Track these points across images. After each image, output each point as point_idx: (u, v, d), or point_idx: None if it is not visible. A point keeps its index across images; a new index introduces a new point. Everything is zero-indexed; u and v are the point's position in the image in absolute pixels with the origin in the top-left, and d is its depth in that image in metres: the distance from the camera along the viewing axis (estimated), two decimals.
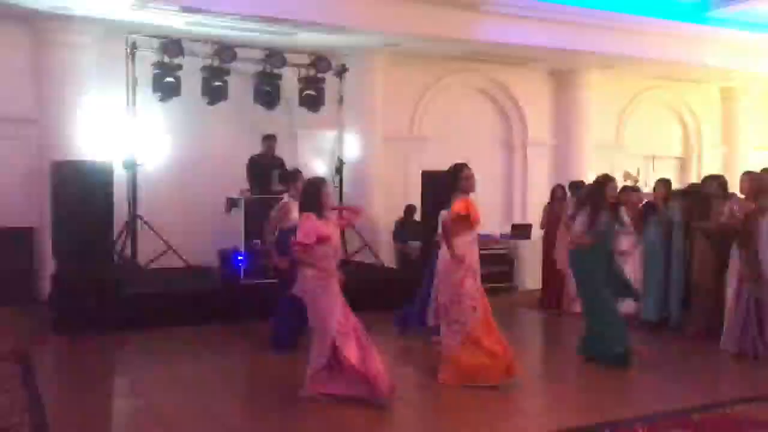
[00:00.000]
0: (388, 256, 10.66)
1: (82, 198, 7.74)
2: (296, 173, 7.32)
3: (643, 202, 8.77)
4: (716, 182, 7.75)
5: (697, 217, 7.70)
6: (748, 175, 7.46)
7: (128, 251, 8.99)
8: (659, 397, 5.62)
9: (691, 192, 8.25)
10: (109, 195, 7.99)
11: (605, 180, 6.61)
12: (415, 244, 9.91)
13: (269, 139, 9.62)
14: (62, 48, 9.17)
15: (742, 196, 7.36)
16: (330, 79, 10.29)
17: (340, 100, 10.47)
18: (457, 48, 10.92)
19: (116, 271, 8.26)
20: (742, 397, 5.51)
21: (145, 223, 9.11)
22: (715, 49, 11.92)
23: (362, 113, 10.93)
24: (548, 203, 9.76)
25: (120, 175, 8.78)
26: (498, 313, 7.07)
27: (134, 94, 9.15)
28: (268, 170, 8.89)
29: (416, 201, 10.09)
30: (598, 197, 6.51)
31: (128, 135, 9.13)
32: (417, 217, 10.44)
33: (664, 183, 8.57)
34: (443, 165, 10.08)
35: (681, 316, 7.96)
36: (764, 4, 10.92)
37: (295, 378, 5.61)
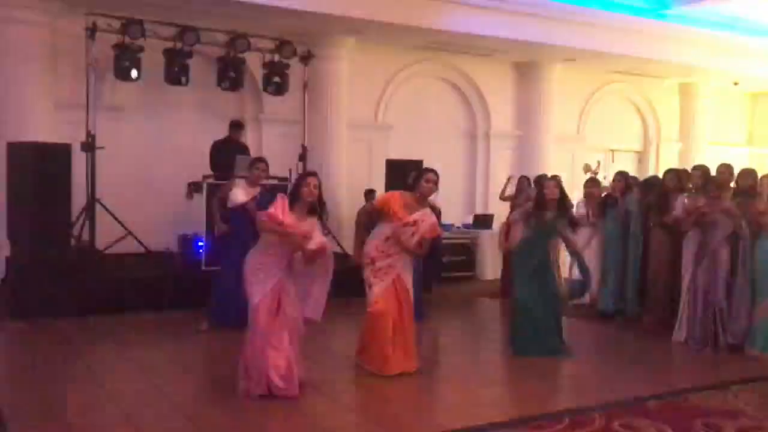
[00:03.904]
0: (351, 243, 10.62)
1: (39, 180, 7.57)
2: (253, 161, 7.44)
3: (603, 195, 8.93)
4: (676, 176, 7.91)
5: (656, 209, 7.85)
6: (698, 169, 7.63)
7: (86, 235, 8.82)
8: (616, 386, 5.73)
9: (651, 184, 8.39)
10: (66, 178, 7.83)
11: (540, 178, 6.82)
12: None
13: (236, 126, 9.52)
14: (17, 25, 8.85)
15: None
16: (295, 65, 10.22)
17: (305, 87, 10.40)
18: (422, 37, 10.92)
19: (73, 255, 8.11)
20: (697, 386, 5.65)
21: (104, 207, 8.94)
22: (676, 46, 12.14)
23: (327, 100, 10.86)
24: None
25: (79, 157, 8.61)
26: (458, 302, 7.17)
27: (94, 75, 8.95)
28: (231, 156, 8.78)
29: (380, 189, 10.07)
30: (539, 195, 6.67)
31: (88, 117, 8.92)
32: None
33: (622, 175, 8.72)
34: (407, 153, 10.17)
35: (637, 307, 8.13)
36: (723, 3, 11.16)
37: None
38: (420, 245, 5.75)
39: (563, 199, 6.66)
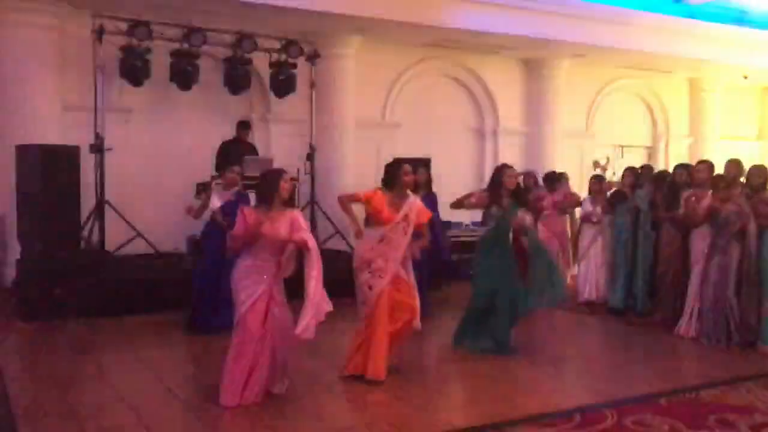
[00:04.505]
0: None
1: (48, 183, 7.61)
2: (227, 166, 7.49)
3: (612, 190, 8.89)
4: (685, 171, 7.85)
5: (665, 205, 7.81)
6: (703, 164, 7.58)
7: (95, 237, 8.85)
8: (627, 383, 5.70)
9: (660, 179, 8.34)
10: (75, 179, 7.87)
11: (502, 168, 6.57)
12: None
13: (243, 126, 9.53)
14: (25, 28, 8.85)
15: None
16: (302, 65, 10.22)
17: (312, 86, 10.40)
18: (429, 35, 10.90)
19: (83, 257, 8.13)
20: (709, 382, 5.61)
21: (113, 208, 8.96)
22: (685, 40, 12.08)
23: (334, 99, 10.86)
24: None
25: (87, 159, 8.64)
26: (466, 300, 7.14)
27: (102, 76, 8.98)
28: (239, 156, 8.80)
29: None
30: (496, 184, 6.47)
31: (96, 118, 8.95)
32: None
33: (631, 171, 8.68)
34: (415, 151, 10.13)
35: (648, 303, 8.08)
36: None
37: None
38: (418, 235, 5.71)
39: (519, 190, 6.54)
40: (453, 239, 10.04)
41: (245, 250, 4.99)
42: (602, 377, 5.91)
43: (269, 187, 5.04)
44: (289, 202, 5.21)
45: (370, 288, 5.53)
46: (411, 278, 5.73)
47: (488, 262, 6.45)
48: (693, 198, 7.16)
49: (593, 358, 6.60)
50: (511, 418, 4.73)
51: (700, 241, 7.00)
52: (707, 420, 4.73)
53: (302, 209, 9.55)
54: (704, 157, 9.08)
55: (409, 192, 5.79)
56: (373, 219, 5.70)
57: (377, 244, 5.56)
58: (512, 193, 6.45)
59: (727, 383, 5.59)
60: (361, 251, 5.61)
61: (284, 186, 5.04)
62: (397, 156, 10.09)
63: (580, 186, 10.02)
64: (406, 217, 5.61)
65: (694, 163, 8.47)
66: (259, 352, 4.92)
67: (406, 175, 5.73)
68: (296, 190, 8.93)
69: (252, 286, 4.91)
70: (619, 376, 5.95)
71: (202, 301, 7.06)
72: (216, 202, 7.10)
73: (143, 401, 5.04)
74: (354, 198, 5.81)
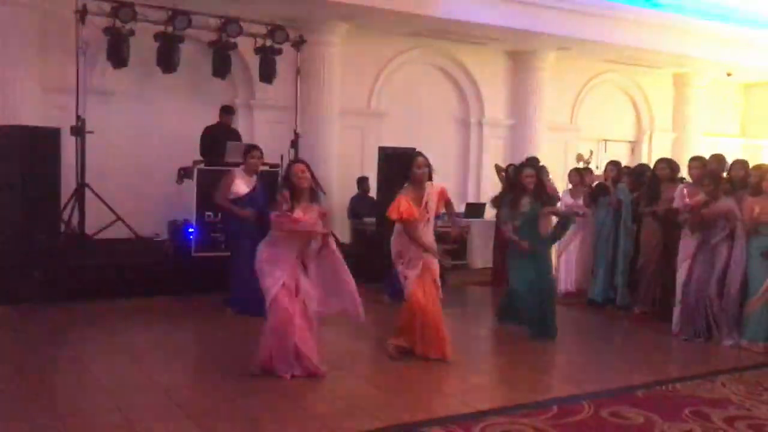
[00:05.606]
0: (343, 232, 10.62)
1: (28, 165, 7.52)
2: (248, 149, 7.41)
3: (594, 184, 8.92)
4: (667, 166, 7.88)
5: (646, 199, 7.84)
6: (697, 161, 7.58)
7: (75, 220, 8.76)
8: (605, 375, 5.74)
9: (640, 173, 8.37)
10: (56, 162, 7.78)
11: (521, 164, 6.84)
12: (370, 221, 9.91)
13: (227, 111, 9.45)
14: (5, 6, 8.70)
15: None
16: (288, 51, 10.15)
17: (298, 72, 10.34)
18: (416, 24, 10.86)
19: (62, 240, 8.06)
20: (685, 376, 5.66)
21: (94, 192, 8.88)
22: (670, 36, 12.13)
23: (319, 86, 10.79)
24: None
25: (68, 141, 8.54)
26: (449, 291, 7.17)
27: (84, 58, 8.87)
28: (222, 142, 8.74)
29: (372, 176, 10.05)
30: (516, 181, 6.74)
31: (77, 100, 8.84)
32: (370, 189, 10.45)
33: (614, 165, 8.72)
34: (400, 141, 10.11)
35: (628, 297, 8.14)
36: None
37: (245, 351, 5.57)
38: (452, 220, 6.12)
39: (539, 188, 6.74)
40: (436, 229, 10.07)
41: (268, 239, 5.15)
42: (580, 369, 5.95)
43: (286, 181, 5.16)
44: (315, 195, 5.32)
45: (405, 278, 5.80)
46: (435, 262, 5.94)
47: (517, 257, 6.71)
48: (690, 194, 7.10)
49: (571, 350, 6.63)
50: (487, 409, 4.75)
51: (689, 239, 6.99)
52: (682, 412, 4.77)
53: None
54: (687, 153, 9.14)
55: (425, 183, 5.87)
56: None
57: (408, 240, 5.78)
58: (533, 192, 6.64)
59: (703, 377, 5.64)
60: (395, 245, 5.87)
61: (295, 180, 5.13)
62: (381, 145, 10.11)
63: (564, 179, 10.03)
64: (426, 205, 5.79)
65: (675, 158, 8.50)
66: (289, 333, 5.09)
67: (419, 168, 5.83)
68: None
69: (277, 271, 5.07)
70: (597, 368, 5.99)
71: (244, 289, 7.03)
72: (243, 188, 7.04)
73: (121, 386, 5.00)
74: (411, 225, 5.76)
